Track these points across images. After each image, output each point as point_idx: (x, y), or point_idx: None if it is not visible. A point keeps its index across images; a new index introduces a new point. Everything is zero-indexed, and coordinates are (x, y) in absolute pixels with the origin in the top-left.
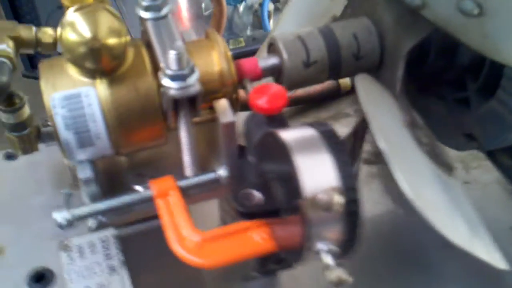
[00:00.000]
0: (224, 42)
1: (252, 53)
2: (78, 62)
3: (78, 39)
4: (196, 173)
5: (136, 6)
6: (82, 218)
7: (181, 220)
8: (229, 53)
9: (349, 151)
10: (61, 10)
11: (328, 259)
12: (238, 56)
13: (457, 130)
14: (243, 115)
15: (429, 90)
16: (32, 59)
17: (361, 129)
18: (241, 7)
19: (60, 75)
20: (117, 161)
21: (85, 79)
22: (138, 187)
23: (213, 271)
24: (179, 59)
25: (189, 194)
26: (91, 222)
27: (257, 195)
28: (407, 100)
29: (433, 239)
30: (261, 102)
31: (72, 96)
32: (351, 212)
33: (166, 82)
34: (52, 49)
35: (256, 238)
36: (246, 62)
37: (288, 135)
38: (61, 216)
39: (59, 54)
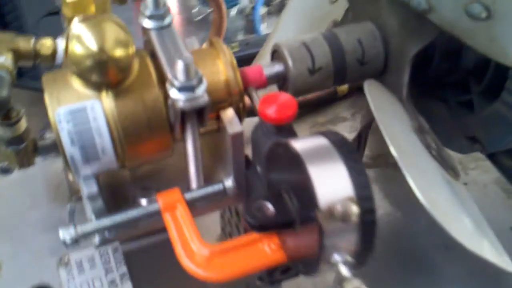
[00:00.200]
0: (229, 50)
1: (247, 58)
2: (84, 75)
3: (84, 52)
4: (201, 185)
5: (139, 15)
6: (88, 235)
7: (190, 234)
8: (235, 62)
9: None
10: (48, 17)
11: (345, 271)
12: None
13: (459, 133)
14: (247, 121)
15: (431, 93)
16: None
17: (365, 134)
18: (232, 11)
19: (65, 89)
20: (119, 174)
21: (90, 92)
22: (143, 201)
23: None
24: (187, 70)
25: (196, 206)
26: (96, 238)
27: (269, 207)
28: (413, 104)
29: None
30: (270, 111)
31: (78, 110)
32: (368, 222)
33: (174, 93)
34: (51, 61)
35: (266, 250)
36: (250, 70)
37: (300, 145)
38: (67, 233)
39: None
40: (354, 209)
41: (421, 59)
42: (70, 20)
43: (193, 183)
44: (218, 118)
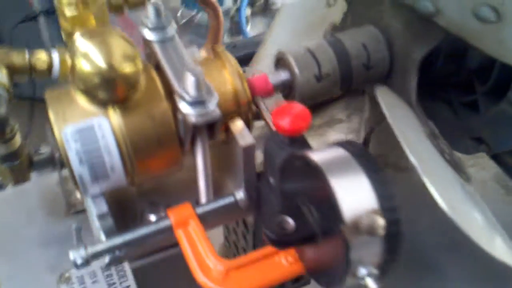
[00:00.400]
0: (234, 59)
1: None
2: (91, 92)
3: (92, 69)
4: (210, 199)
5: (141, 27)
6: (100, 255)
7: (204, 250)
8: (241, 71)
9: None
10: (23, 24)
11: (372, 284)
12: None
13: (464, 134)
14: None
15: (433, 94)
16: None
17: (368, 138)
18: None
19: (70, 106)
20: (125, 189)
21: (97, 109)
22: (151, 216)
23: None
24: (197, 84)
25: (207, 220)
26: (106, 258)
27: (289, 221)
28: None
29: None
30: (284, 123)
31: (85, 129)
32: (393, 233)
33: (185, 108)
34: (47, 76)
35: (283, 262)
36: (256, 79)
37: (319, 157)
38: (77, 254)
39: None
40: (380, 221)
41: (425, 60)
42: (69, 35)
43: (203, 198)
44: (226, 129)
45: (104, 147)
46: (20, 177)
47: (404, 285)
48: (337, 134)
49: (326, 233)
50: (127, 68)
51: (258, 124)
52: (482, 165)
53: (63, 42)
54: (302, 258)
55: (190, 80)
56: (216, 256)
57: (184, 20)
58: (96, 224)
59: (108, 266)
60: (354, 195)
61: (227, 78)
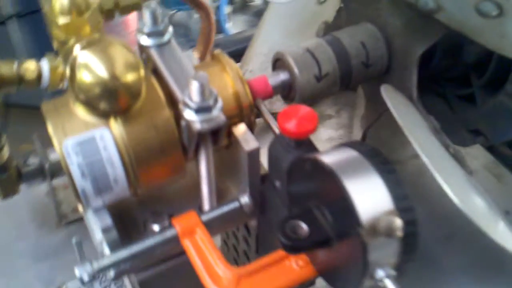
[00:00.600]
0: (234, 62)
1: None
2: (92, 103)
3: (94, 80)
4: (214, 205)
5: (137, 33)
6: (106, 269)
7: (213, 258)
8: (241, 74)
9: None
10: None
11: (390, 285)
12: None
13: (461, 127)
14: None
15: (428, 88)
16: None
17: (365, 135)
18: (195, 14)
19: (69, 118)
20: (125, 200)
21: (97, 120)
22: (155, 226)
23: None
24: (202, 90)
25: (212, 227)
26: (111, 272)
27: (303, 226)
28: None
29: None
30: (290, 125)
31: (86, 141)
32: (410, 233)
33: (189, 115)
34: (36, 85)
35: (293, 267)
36: (255, 81)
37: (330, 159)
38: (83, 270)
39: None
40: (398, 223)
41: (423, 56)
42: (62, 43)
43: (206, 204)
44: (229, 134)
45: (107, 159)
46: (9, 190)
47: (402, 278)
48: (327, 130)
49: (341, 236)
50: (130, 78)
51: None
52: (473, 155)
53: (38, 47)
54: (314, 261)
55: (194, 86)
56: (225, 264)
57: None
58: (98, 237)
59: (114, 279)
60: (370, 197)
61: (228, 82)
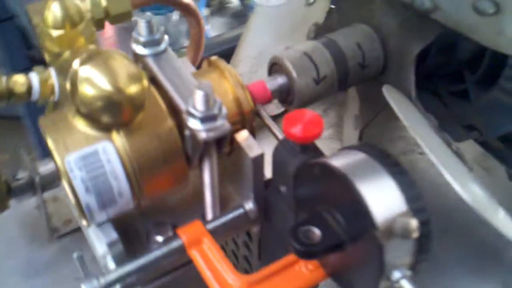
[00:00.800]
0: (232, 68)
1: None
2: (95, 116)
3: (97, 93)
4: (217, 214)
5: (131, 42)
6: (113, 284)
7: (223, 267)
8: (241, 79)
9: None
10: None
11: (407, 286)
12: None
13: (454, 123)
14: None
15: (420, 85)
16: None
17: (362, 134)
18: (174, 15)
19: (70, 132)
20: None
21: (99, 133)
22: (158, 238)
23: None
24: (207, 99)
25: (218, 235)
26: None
27: (315, 231)
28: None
29: None
30: (296, 130)
31: (89, 155)
32: (425, 234)
33: (194, 124)
34: (26, 99)
35: (303, 271)
36: (254, 87)
37: (341, 163)
38: (91, 287)
39: None
40: (414, 224)
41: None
42: (56, 56)
43: (209, 213)
44: (231, 141)
45: (110, 172)
46: None
47: None
48: None
49: (354, 239)
50: (133, 89)
51: None
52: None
53: (9, 56)
54: (324, 264)
55: (199, 95)
56: (235, 272)
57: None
58: (101, 251)
59: None
60: (383, 199)
61: (228, 88)
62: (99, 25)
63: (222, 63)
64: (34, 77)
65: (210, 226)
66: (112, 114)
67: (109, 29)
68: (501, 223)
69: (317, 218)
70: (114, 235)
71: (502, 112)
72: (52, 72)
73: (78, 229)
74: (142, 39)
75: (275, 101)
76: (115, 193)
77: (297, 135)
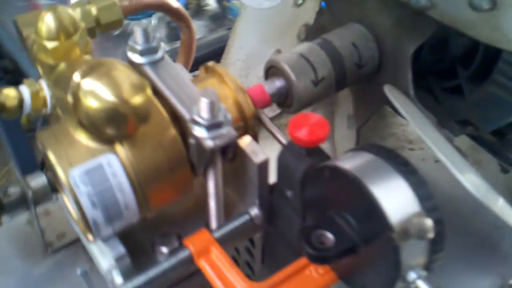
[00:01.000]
0: (230, 73)
1: None
2: (98, 129)
3: (101, 105)
4: (221, 222)
5: (128, 50)
6: None
7: (233, 277)
8: (240, 83)
9: None
10: None
11: (423, 286)
12: None
13: (448, 118)
14: None
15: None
16: None
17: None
18: (153, 20)
19: (72, 146)
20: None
21: (102, 146)
22: (163, 249)
23: None
24: (213, 107)
25: (224, 243)
26: None
27: (328, 235)
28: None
29: None
30: (302, 134)
31: (94, 169)
32: (438, 232)
33: (199, 132)
34: (18, 113)
35: (314, 275)
36: (252, 91)
37: (351, 165)
38: None
39: None
40: (429, 223)
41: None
42: (50, 68)
43: (213, 222)
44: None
45: (116, 185)
46: None
47: None
48: None
49: (368, 241)
50: (138, 99)
51: None
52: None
53: None
54: (335, 268)
55: (204, 103)
56: (246, 280)
57: (117, 31)
58: (106, 265)
59: None
60: (396, 199)
61: (229, 94)
62: (91, 34)
63: (221, 68)
64: (25, 90)
65: (217, 234)
66: (117, 126)
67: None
68: (501, 210)
69: (328, 222)
70: (121, 249)
71: (496, 106)
72: (43, 84)
73: (73, 243)
74: (138, 47)
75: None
76: (121, 206)
77: (303, 139)
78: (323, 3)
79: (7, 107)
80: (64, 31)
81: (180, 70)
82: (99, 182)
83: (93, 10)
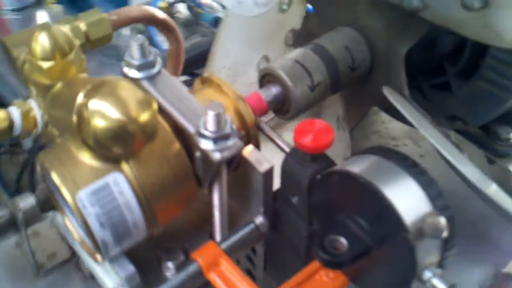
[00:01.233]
0: (227, 83)
1: None
2: (106, 148)
3: (110, 125)
4: (225, 234)
5: (123, 66)
6: None
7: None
8: (239, 93)
9: None
10: None
11: (439, 283)
12: None
13: (438, 115)
14: None
15: None
16: None
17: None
18: (125, 30)
19: (77, 167)
20: None
21: (107, 165)
22: (169, 264)
23: None
24: (219, 120)
25: (231, 254)
26: None
27: (341, 240)
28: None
29: None
30: (307, 140)
31: (101, 189)
32: (450, 230)
33: (206, 145)
34: (8, 134)
35: (325, 279)
36: (250, 99)
37: (360, 169)
38: None
39: None
40: (443, 222)
41: None
42: (46, 88)
43: (218, 234)
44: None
45: (124, 204)
46: None
47: None
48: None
49: (381, 243)
50: (145, 116)
51: None
52: None
53: None
54: (345, 270)
55: (210, 116)
56: None
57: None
58: (111, 286)
59: None
60: (409, 200)
61: (229, 103)
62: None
63: (218, 79)
64: (15, 111)
65: (224, 245)
66: (125, 144)
67: None
68: (494, 193)
69: (340, 226)
70: (131, 268)
71: (484, 100)
72: (32, 103)
73: (64, 263)
74: (135, 62)
75: None
76: (130, 224)
77: (309, 145)
78: (309, 8)
79: None
80: (59, 50)
81: (178, 83)
82: (106, 201)
83: (82, 26)
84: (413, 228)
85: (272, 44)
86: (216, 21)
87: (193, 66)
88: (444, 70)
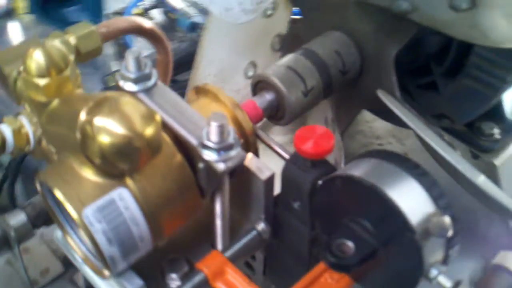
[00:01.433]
0: (223, 91)
1: None
2: (110, 164)
3: (116, 140)
4: (226, 244)
5: (119, 79)
6: None
7: None
8: (235, 100)
9: None
10: None
11: (445, 281)
12: None
13: (425, 114)
14: None
15: None
16: None
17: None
18: None
19: (81, 184)
20: None
21: (112, 180)
22: (173, 276)
23: None
24: (222, 130)
25: (235, 262)
26: None
27: (348, 243)
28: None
29: None
30: (308, 146)
31: (106, 205)
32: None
33: (210, 156)
34: (1, 152)
35: (329, 282)
36: (245, 107)
37: (363, 173)
38: None
39: None
40: (448, 221)
41: None
42: (42, 106)
43: (220, 242)
44: None
45: (130, 218)
46: None
47: None
48: (276, 136)
49: (387, 245)
50: (150, 130)
51: None
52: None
53: None
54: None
55: (214, 127)
56: None
57: None
58: None
59: None
60: (413, 202)
61: (226, 112)
62: None
63: (213, 87)
64: (6, 129)
65: (228, 254)
66: (131, 160)
67: None
68: (482, 182)
69: (345, 230)
70: (139, 282)
71: (470, 98)
72: (23, 120)
73: (57, 278)
74: (131, 75)
75: None
76: (136, 239)
77: (309, 151)
78: (296, 11)
79: None
80: (55, 66)
81: (174, 95)
82: (113, 217)
83: (72, 40)
84: (419, 229)
85: (258, 49)
86: (193, 26)
87: (174, 72)
88: (430, 70)
